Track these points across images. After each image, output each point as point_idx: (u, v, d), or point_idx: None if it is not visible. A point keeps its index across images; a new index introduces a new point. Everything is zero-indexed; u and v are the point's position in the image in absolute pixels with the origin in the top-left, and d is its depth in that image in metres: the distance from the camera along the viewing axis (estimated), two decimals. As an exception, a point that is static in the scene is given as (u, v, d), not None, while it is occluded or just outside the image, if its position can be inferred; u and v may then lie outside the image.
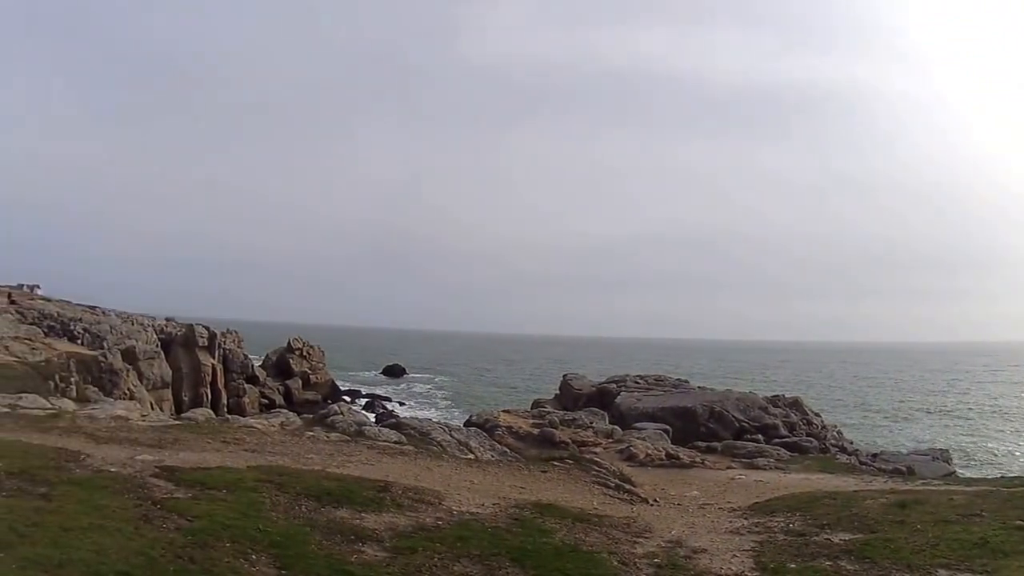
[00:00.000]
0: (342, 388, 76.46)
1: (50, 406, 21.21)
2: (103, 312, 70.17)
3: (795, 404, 35.98)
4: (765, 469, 21.50)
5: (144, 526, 9.23)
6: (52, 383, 31.52)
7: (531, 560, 9.60)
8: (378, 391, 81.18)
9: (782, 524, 12.32)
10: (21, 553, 7.32)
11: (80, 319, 58.49)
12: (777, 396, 37.62)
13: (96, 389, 34.49)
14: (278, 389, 65.28)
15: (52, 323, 54.00)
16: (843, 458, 26.71)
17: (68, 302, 69.99)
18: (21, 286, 77.86)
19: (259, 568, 8.37)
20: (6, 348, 36.81)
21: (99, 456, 13.21)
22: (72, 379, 33.71)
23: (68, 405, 22.27)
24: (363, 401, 69.82)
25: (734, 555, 10.60)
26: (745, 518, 13.23)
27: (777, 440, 29.64)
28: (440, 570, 9.07)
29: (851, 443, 34.80)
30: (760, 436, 30.46)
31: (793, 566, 9.81)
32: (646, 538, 11.69)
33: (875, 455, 28.36)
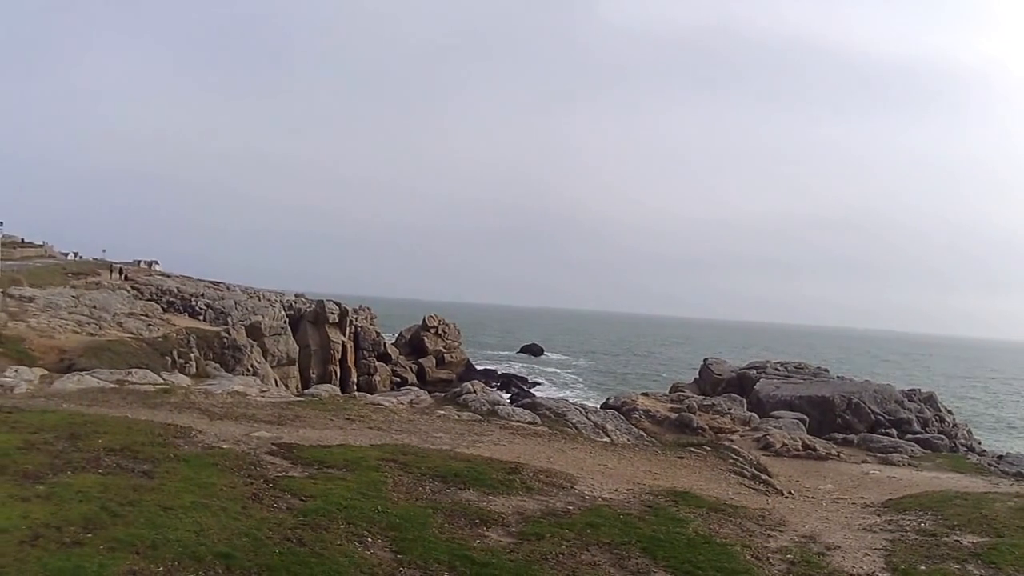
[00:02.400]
0: (477, 367, 77.17)
1: (162, 381, 21.90)
2: (227, 287, 72.18)
3: (929, 399, 36.46)
4: (898, 465, 21.42)
5: (253, 505, 9.32)
6: (169, 359, 32.66)
7: (662, 551, 9.47)
8: (514, 371, 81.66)
9: (914, 523, 12.30)
10: (112, 534, 7.42)
11: (202, 295, 60.40)
12: (913, 390, 38.04)
13: (217, 365, 35.61)
14: (411, 367, 66.33)
15: (172, 299, 55.91)
16: (973, 458, 26.40)
17: (189, 277, 72.36)
18: (138, 262, 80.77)
19: (373, 551, 8.30)
20: (119, 324, 38.38)
21: (212, 433, 13.52)
22: (192, 355, 34.88)
23: (182, 380, 22.94)
24: (498, 381, 70.24)
25: (866, 553, 10.50)
26: (878, 515, 13.21)
27: (910, 436, 30.17)
28: (567, 558, 8.93)
29: (979, 443, 34.97)
30: (894, 430, 30.98)
31: (923, 568, 9.78)
32: (780, 532, 11.56)
33: (1000, 457, 27.70)
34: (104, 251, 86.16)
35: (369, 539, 8.64)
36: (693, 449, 18.98)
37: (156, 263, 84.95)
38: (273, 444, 12.92)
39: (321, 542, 8.31)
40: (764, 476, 16.74)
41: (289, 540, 8.23)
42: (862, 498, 14.83)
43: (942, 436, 31.62)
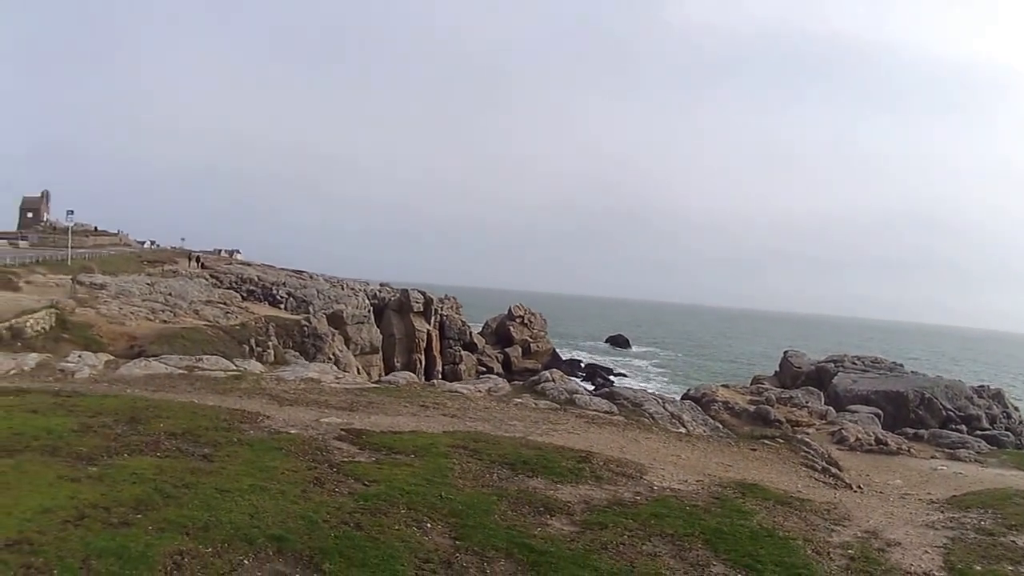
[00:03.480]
0: (563, 357, 77.40)
1: (233, 368, 22.17)
2: (310, 276, 73.22)
3: (997, 396, 36.92)
4: (965, 461, 21.44)
5: (313, 489, 9.44)
6: (247, 347, 33.07)
7: (724, 543, 9.48)
8: (599, 361, 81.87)
9: (974, 521, 12.39)
10: (162, 515, 7.53)
11: (284, 283, 61.41)
12: (982, 386, 38.55)
13: (296, 354, 36.06)
14: (497, 357, 66.69)
15: (252, 287, 56.94)
16: None
17: (271, 266, 73.56)
18: (218, 251, 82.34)
19: (431, 537, 8.34)
20: (196, 312, 38.95)
21: (280, 418, 13.73)
22: (270, 343, 35.35)
23: (255, 367, 23.19)
24: (583, 372, 70.32)
25: (925, 551, 10.52)
26: (941, 512, 13.31)
27: (979, 432, 30.39)
28: (627, 548, 8.95)
29: None
30: (963, 427, 31.61)
31: (978, 568, 9.83)
32: (844, 526, 11.58)
33: None
34: (183, 240, 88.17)
35: (428, 525, 8.70)
36: (766, 441, 19.14)
37: (237, 252, 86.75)
38: (342, 430, 13.12)
39: (379, 527, 8.38)
40: (834, 470, 16.87)
41: (346, 524, 8.32)
42: (928, 494, 15.00)
43: (1008, 433, 32.31)
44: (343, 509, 8.79)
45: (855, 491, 15.10)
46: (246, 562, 7.02)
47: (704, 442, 18.10)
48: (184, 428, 11.49)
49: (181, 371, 20.43)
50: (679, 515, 10.46)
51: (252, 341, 35.30)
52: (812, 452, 18.28)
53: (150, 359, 22.04)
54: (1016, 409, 37.08)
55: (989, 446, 26.39)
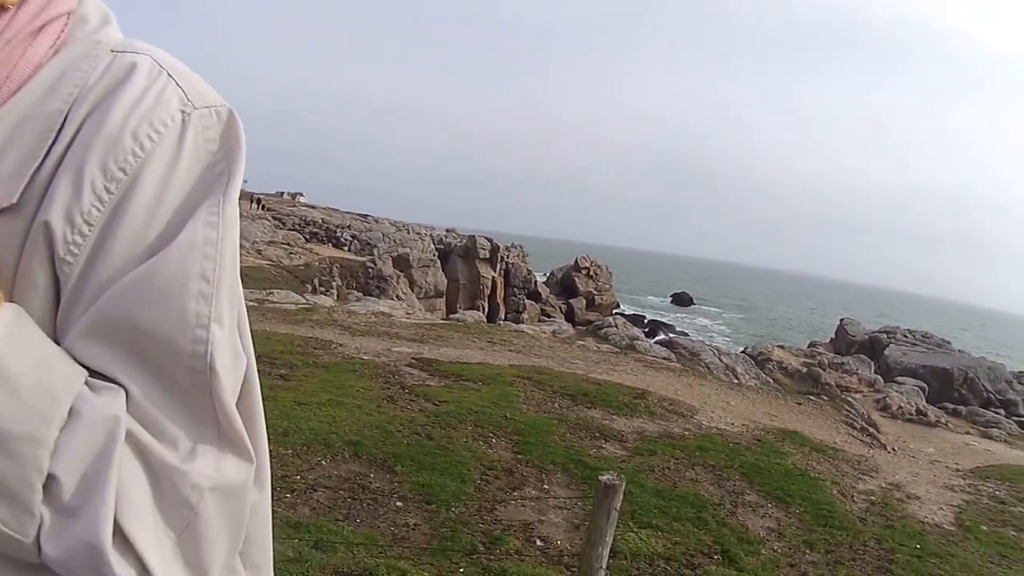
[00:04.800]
0: (626, 312, 77.67)
1: (304, 301, 23.20)
2: (375, 220, 74.06)
3: None
4: (995, 440, 21.86)
5: (387, 406, 10.36)
6: (310, 286, 34.08)
7: (760, 477, 10.40)
8: (662, 318, 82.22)
9: (990, 490, 13.13)
10: (243, 424, 8.42)
11: (348, 226, 62.40)
12: (1022, 373, 38.51)
13: (360, 294, 36.90)
14: (560, 307, 67.14)
15: (315, 229, 57.99)
16: None
17: (336, 209, 74.58)
18: (281, 194, 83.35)
19: (495, 450, 9.22)
20: (259, 252, 39.93)
21: (352, 346, 14.61)
22: (334, 283, 36.31)
23: (325, 301, 24.23)
24: (646, 327, 70.90)
25: (940, 507, 11.35)
26: (963, 479, 13.99)
27: (1016, 418, 29.96)
28: (672, 472, 9.87)
29: None
30: (1002, 410, 31.33)
31: (984, 528, 10.60)
32: (871, 477, 12.41)
33: None
34: (245, 182, 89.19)
35: (493, 440, 9.59)
36: (812, 398, 19.80)
37: (301, 195, 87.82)
38: (413, 358, 13.99)
39: (448, 438, 9.28)
40: (872, 430, 17.47)
41: (418, 435, 9.23)
42: (956, 463, 15.61)
43: None
44: (415, 423, 9.69)
45: (888, 451, 15.78)
46: (324, 462, 7.88)
47: (754, 392, 18.81)
48: (260, 352, 12.32)
49: (252, 303, 21.29)
50: (722, 450, 11.35)
51: (316, 281, 36.37)
52: (854, 412, 19.01)
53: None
54: None
55: (1020, 430, 26.67)
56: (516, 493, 8.04)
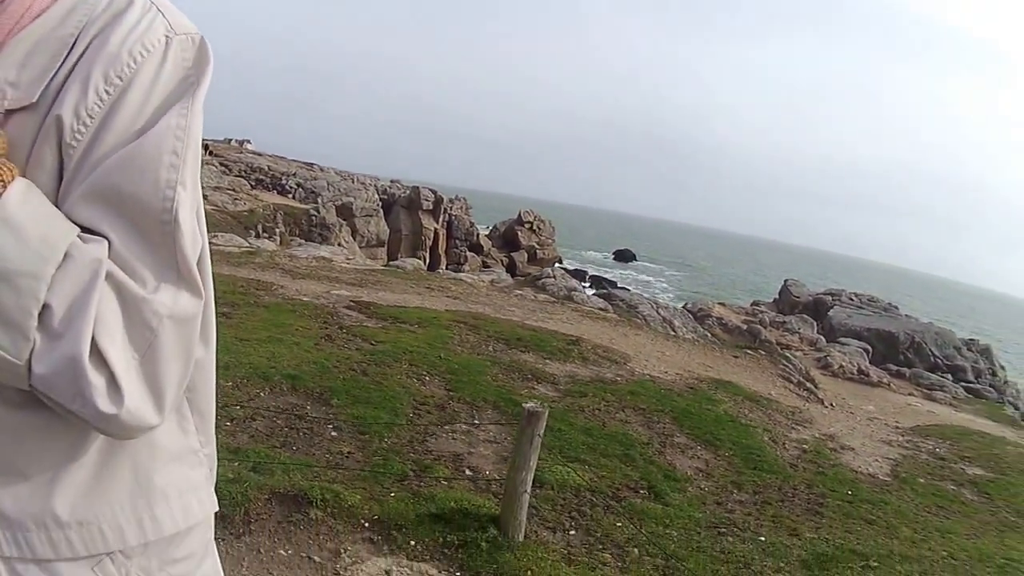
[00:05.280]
0: (569, 267, 77.87)
1: (247, 245, 23.30)
2: (320, 169, 73.74)
3: (986, 352, 36.88)
4: (939, 403, 21.81)
5: (325, 344, 10.59)
6: (254, 232, 34.11)
7: (689, 421, 10.59)
8: (605, 274, 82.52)
9: (930, 447, 13.21)
10: (186, 358, 8.61)
11: (294, 174, 62.12)
12: (972, 340, 38.52)
13: (303, 241, 36.99)
14: (501, 260, 67.33)
15: (261, 176, 57.74)
16: (1009, 410, 26.75)
17: (282, 157, 74.14)
18: (228, 140, 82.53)
19: (429, 387, 9.49)
20: (204, 197, 39.53)
21: (293, 288, 14.79)
22: (277, 230, 36.32)
23: (268, 246, 24.34)
24: (587, 281, 71.28)
25: (876, 459, 11.49)
26: (901, 435, 14.06)
27: (963, 384, 30.34)
28: (602, 413, 10.12)
29: None
30: (949, 376, 31.35)
31: (921, 481, 10.68)
32: (804, 427, 12.56)
33: None
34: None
35: (427, 378, 9.84)
36: (749, 351, 19.93)
37: (248, 142, 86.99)
38: (352, 301, 14.17)
39: (383, 375, 9.52)
40: (809, 385, 17.44)
41: (353, 371, 9.47)
42: (896, 422, 15.57)
43: (992, 389, 32.37)
44: (351, 360, 9.91)
45: (826, 406, 15.77)
46: (262, 394, 8.08)
47: (690, 344, 19.05)
48: (203, 292, 12.57)
49: (198, 246, 21.35)
50: (653, 395, 11.55)
51: (259, 227, 36.40)
52: (791, 366, 19.02)
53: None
54: (1003, 368, 37.39)
55: (967, 394, 26.87)
56: (447, 427, 8.28)
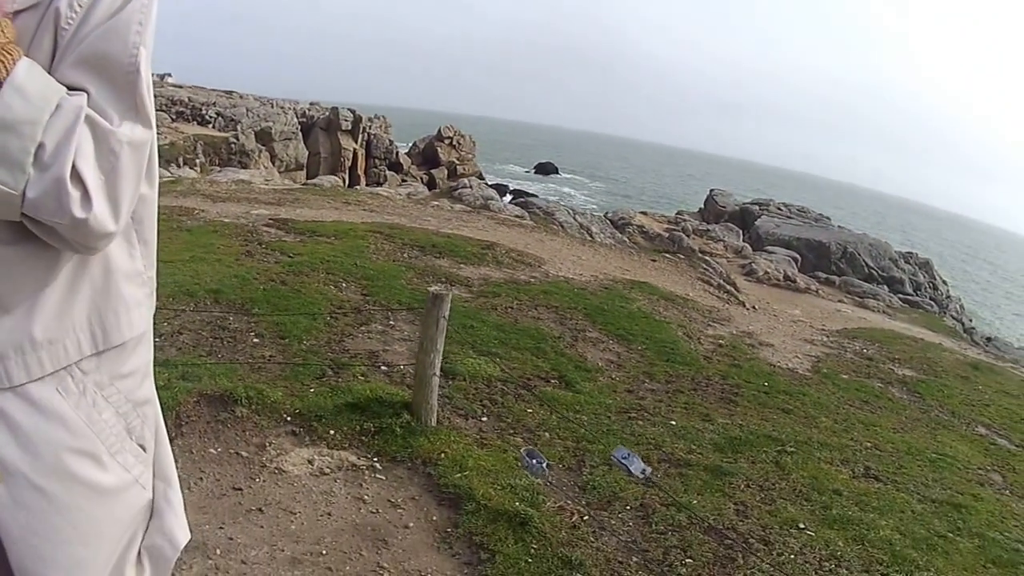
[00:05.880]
0: (489, 182, 77.28)
1: (169, 175, 23.34)
2: (240, 96, 72.63)
3: (926, 265, 36.61)
4: (873, 311, 22.07)
5: (246, 260, 10.80)
6: (175, 165, 33.85)
7: (602, 317, 10.88)
8: (527, 188, 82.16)
9: (857, 348, 13.27)
10: (115, 281, 8.80)
11: (214, 103, 61.09)
12: (910, 253, 38.14)
13: (221, 169, 36.80)
14: (421, 178, 66.90)
15: (182, 108, 56.70)
16: (949, 321, 26.54)
17: (202, 88, 72.87)
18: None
19: (345, 293, 9.78)
20: (125, 135, 39.43)
21: (214, 211, 14.88)
22: (198, 160, 36.04)
23: (189, 174, 24.31)
24: (510, 196, 71.11)
25: (796, 356, 11.64)
26: (827, 337, 14.16)
27: (900, 296, 30.13)
28: (514, 311, 10.42)
29: (970, 320, 34.53)
30: (885, 287, 31.07)
31: (845, 376, 10.77)
32: (722, 325, 12.79)
33: (990, 339, 27.86)
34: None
35: (343, 284, 10.12)
36: (667, 255, 20.26)
37: (169, 75, 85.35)
38: (270, 219, 14.31)
39: (301, 284, 9.79)
40: (730, 288, 17.76)
41: (273, 281, 9.71)
42: (823, 326, 15.73)
43: (932, 303, 31.98)
44: (271, 272, 10.15)
45: (747, 309, 15.92)
46: (187, 310, 8.26)
47: (606, 249, 19.29)
48: (125, 222, 12.69)
49: (120, 180, 21.33)
50: (567, 294, 11.85)
51: (180, 159, 36.05)
52: (711, 270, 19.18)
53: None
54: (944, 283, 36.86)
55: (902, 303, 26.69)
56: (363, 328, 8.55)
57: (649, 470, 5.83)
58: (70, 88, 1.40)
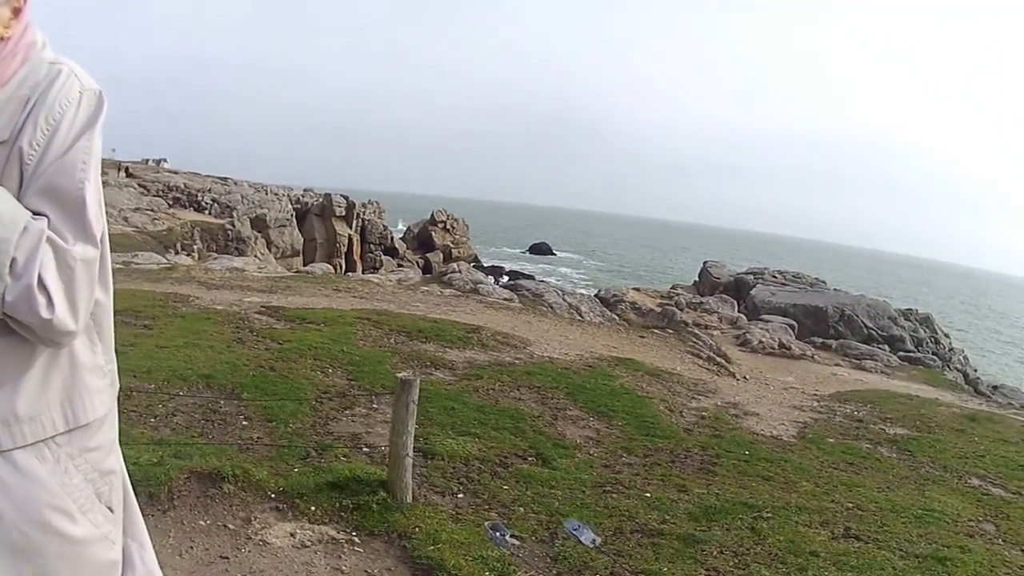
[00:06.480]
0: (485, 264, 77.31)
1: (165, 262, 23.92)
2: (234, 183, 73.35)
3: (926, 320, 35.82)
4: (871, 372, 21.67)
5: (237, 346, 11.24)
6: (173, 251, 34.45)
7: (584, 395, 11.02)
8: (524, 269, 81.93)
9: (848, 411, 13.12)
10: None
11: (209, 190, 61.89)
12: (909, 310, 37.22)
13: (218, 255, 37.27)
14: (417, 262, 67.32)
15: (178, 195, 57.54)
16: (949, 375, 26.17)
17: (197, 174, 73.71)
18: (146, 161, 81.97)
19: (331, 378, 10.21)
20: (125, 219, 40.22)
21: (208, 298, 15.34)
22: (195, 246, 36.68)
23: (185, 261, 24.88)
24: (506, 277, 70.97)
25: (782, 423, 11.59)
26: (817, 401, 13.98)
27: (902, 353, 29.52)
28: (496, 392, 10.65)
29: (975, 370, 34.06)
30: (886, 346, 30.41)
31: (831, 440, 10.67)
32: (707, 397, 12.79)
33: (996, 387, 27.67)
34: (113, 151, 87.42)
35: (330, 370, 10.54)
36: (656, 331, 20.28)
37: (165, 161, 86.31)
38: (262, 306, 14.76)
39: (289, 370, 10.20)
40: (720, 359, 17.68)
41: (262, 367, 10.13)
42: (816, 392, 15.49)
43: (935, 358, 31.20)
44: (260, 358, 10.56)
45: (738, 379, 15.73)
46: (181, 393, 8.65)
47: (595, 328, 19.48)
48: (126, 307, 13.01)
49: (118, 265, 21.77)
50: (549, 374, 12.03)
51: (178, 245, 36.84)
52: (700, 343, 19.11)
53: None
54: (947, 336, 36.04)
55: (901, 361, 26.24)
56: (347, 412, 8.92)
57: (599, 540, 6.15)
58: (34, 213, 1.79)
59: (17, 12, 1.90)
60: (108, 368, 2.21)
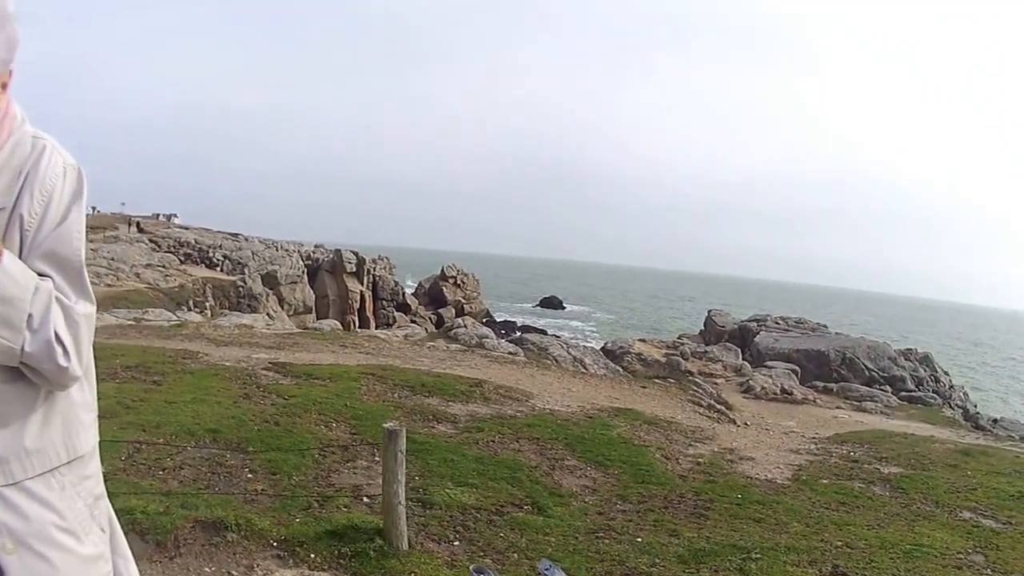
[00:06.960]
0: (497, 319, 77.18)
1: (175, 319, 24.39)
2: (245, 239, 73.95)
3: (925, 359, 36.56)
4: (871, 413, 21.99)
5: (243, 401, 11.56)
6: (185, 308, 34.84)
7: (582, 445, 11.26)
8: (534, 323, 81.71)
9: (844, 452, 13.31)
10: (124, 419, 9.57)
11: (220, 246, 62.61)
12: (909, 350, 38.00)
13: (228, 312, 37.65)
14: (430, 318, 67.47)
15: (189, 251, 58.18)
16: (948, 412, 26.54)
17: (207, 229, 74.42)
18: (156, 215, 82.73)
19: (335, 432, 10.51)
20: (137, 275, 40.73)
21: (216, 355, 15.69)
22: (207, 303, 37.08)
23: (195, 318, 25.31)
24: (517, 331, 70.76)
25: (777, 467, 11.78)
26: (815, 444, 14.19)
27: (904, 393, 30.10)
28: (496, 444, 10.91)
29: (975, 405, 34.63)
30: (888, 387, 31.00)
31: (825, 481, 10.81)
32: (703, 443, 13.00)
33: (996, 420, 27.98)
34: (123, 204, 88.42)
35: (334, 424, 10.82)
36: (657, 380, 20.53)
37: (175, 216, 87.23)
38: (269, 362, 15.08)
39: (294, 424, 10.52)
40: (721, 407, 17.93)
41: (267, 422, 10.43)
42: (815, 434, 15.70)
43: (935, 395, 31.90)
44: (266, 413, 10.88)
45: (738, 425, 15.94)
46: (188, 447, 8.97)
47: (597, 379, 19.66)
48: (137, 363, 13.41)
49: (130, 322, 22.47)
50: (549, 426, 12.24)
51: (190, 301, 37.26)
52: (701, 391, 19.31)
53: (102, 312, 23.94)
54: (946, 374, 36.82)
55: (900, 401, 26.54)
56: (349, 464, 9.22)
57: (572, 581, 6.44)
58: (39, 274, 1.97)
59: (4, 87, 2.04)
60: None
